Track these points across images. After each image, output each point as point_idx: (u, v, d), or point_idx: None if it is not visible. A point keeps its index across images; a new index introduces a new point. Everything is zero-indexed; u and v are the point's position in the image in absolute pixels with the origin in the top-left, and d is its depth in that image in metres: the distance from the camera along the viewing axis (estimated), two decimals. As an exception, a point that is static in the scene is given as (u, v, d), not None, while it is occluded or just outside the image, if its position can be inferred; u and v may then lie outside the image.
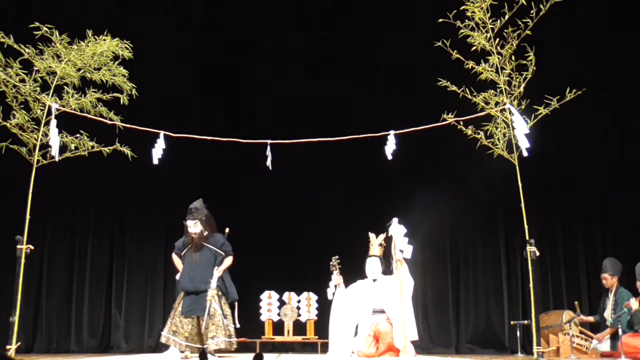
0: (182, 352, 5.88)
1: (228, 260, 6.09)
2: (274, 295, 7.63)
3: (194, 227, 6.03)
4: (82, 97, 5.56)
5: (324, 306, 7.49)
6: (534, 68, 5.32)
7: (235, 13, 8.64)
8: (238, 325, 6.03)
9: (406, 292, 5.81)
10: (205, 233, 6.07)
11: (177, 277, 6.18)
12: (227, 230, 6.29)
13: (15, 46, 5.29)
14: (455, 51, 5.46)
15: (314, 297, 7.58)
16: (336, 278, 6.09)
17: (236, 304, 6.05)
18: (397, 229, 5.81)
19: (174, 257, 6.21)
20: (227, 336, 5.84)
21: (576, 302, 6.88)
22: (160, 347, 7.90)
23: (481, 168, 7.23)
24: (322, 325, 7.47)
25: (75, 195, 8.36)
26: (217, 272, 5.92)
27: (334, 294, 6.13)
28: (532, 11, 5.22)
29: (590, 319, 6.94)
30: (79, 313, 8.05)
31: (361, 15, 8.62)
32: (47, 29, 5.32)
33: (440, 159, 8.24)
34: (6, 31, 5.29)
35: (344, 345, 5.94)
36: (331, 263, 6.12)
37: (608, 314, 6.68)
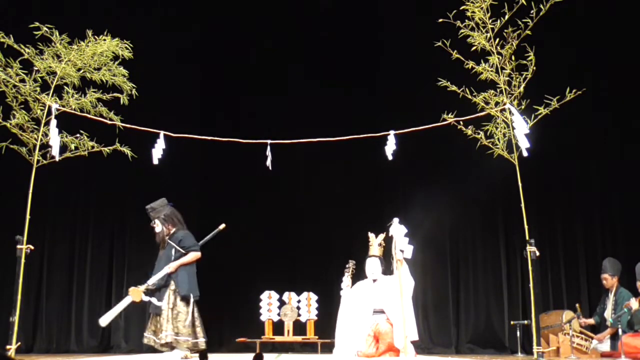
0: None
1: (188, 257, 5.85)
2: (274, 295, 7.62)
3: (156, 227, 5.97)
4: (82, 97, 5.56)
5: (324, 306, 7.51)
6: (534, 68, 5.32)
7: (236, 13, 8.64)
8: (187, 323, 5.72)
9: (406, 292, 5.81)
10: (172, 230, 5.95)
11: None
12: (221, 226, 6.21)
13: (15, 46, 5.29)
14: (455, 51, 5.46)
15: (314, 297, 7.57)
16: (347, 280, 6.11)
17: (191, 299, 5.76)
18: (397, 229, 5.81)
19: None
20: (175, 333, 5.69)
21: (578, 305, 6.81)
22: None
23: (481, 168, 7.23)
24: (322, 325, 7.47)
25: (75, 195, 8.36)
26: (167, 268, 5.77)
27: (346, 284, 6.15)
28: (532, 11, 5.22)
29: (591, 321, 6.91)
30: (79, 313, 8.05)
31: (361, 15, 8.62)
32: (47, 29, 5.32)
33: (440, 159, 8.24)
34: (6, 31, 5.29)
35: (347, 346, 5.95)
36: (347, 266, 6.13)
37: (608, 314, 6.68)
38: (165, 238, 5.93)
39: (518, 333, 7.26)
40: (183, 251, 5.86)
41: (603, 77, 8.17)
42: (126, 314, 8.10)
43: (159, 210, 5.99)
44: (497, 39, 5.40)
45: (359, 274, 6.24)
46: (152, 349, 7.85)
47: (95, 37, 5.47)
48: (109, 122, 5.65)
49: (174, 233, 5.95)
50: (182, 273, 5.82)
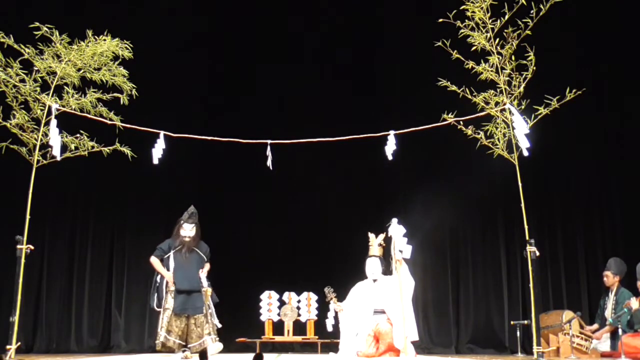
0: (183, 351, 5.90)
1: (208, 266, 6.30)
2: (274, 295, 7.62)
3: (190, 230, 6.23)
4: (82, 97, 5.56)
5: (324, 306, 7.49)
6: (534, 68, 5.31)
7: (236, 13, 8.65)
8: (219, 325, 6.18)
9: (406, 293, 5.82)
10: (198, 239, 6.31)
11: (158, 279, 6.23)
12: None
13: (15, 46, 5.29)
14: (455, 51, 5.45)
15: (314, 297, 7.57)
16: (335, 307, 6.15)
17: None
18: (396, 229, 5.82)
19: (155, 260, 6.24)
20: (215, 334, 6.06)
21: (577, 316, 6.56)
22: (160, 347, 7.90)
23: (481, 168, 7.23)
24: (322, 325, 7.46)
25: (75, 195, 8.35)
26: (203, 274, 6.11)
27: (333, 325, 6.18)
28: (532, 11, 5.21)
29: (594, 327, 6.87)
30: (79, 313, 8.05)
31: (361, 15, 8.62)
32: (47, 29, 5.31)
33: (440, 159, 8.24)
34: (6, 31, 5.28)
35: (348, 346, 5.96)
36: (326, 293, 6.16)
37: (608, 313, 6.68)
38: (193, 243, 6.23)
39: (518, 333, 7.25)
40: (206, 260, 6.27)
41: (603, 77, 8.17)
42: (126, 314, 8.11)
43: (197, 216, 6.31)
44: (497, 39, 5.39)
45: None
46: (152, 349, 7.88)
47: (95, 37, 5.47)
48: (109, 122, 5.64)
49: (200, 241, 6.31)
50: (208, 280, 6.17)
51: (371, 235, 6.25)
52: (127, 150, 5.73)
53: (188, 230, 6.20)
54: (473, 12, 5.33)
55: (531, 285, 5.14)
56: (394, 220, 5.87)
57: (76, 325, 8.00)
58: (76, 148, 5.59)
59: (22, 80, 5.36)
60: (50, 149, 5.32)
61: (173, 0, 8.58)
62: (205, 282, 6.01)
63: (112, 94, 5.61)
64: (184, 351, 5.91)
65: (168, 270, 6.16)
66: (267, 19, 8.64)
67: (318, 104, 8.34)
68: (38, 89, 5.42)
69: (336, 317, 6.22)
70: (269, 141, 5.86)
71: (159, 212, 8.35)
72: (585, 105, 6.76)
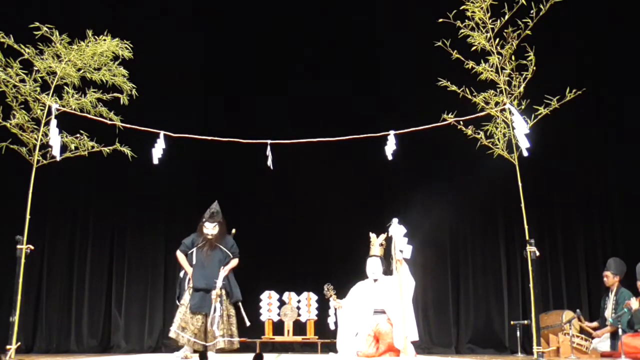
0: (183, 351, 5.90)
1: (234, 262, 6.13)
2: (274, 295, 7.62)
3: (212, 229, 6.09)
4: (82, 97, 5.55)
5: (324, 306, 7.49)
6: (534, 68, 5.31)
7: (236, 14, 8.65)
8: (248, 324, 6.11)
9: (407, 293, 5.81)
10: (222, 235, 6.18)
11: (181, 274, 6.18)
12: (233, 231, 6.33)
13: (15, 46, 5.29)
14: (455, 51, 5.45)
15: (314, 297, 7.58)
16: (334, 304, 6.15)
17: (240, 304, 6.07)
18: (396, 229, 5.81)
19: (180, 254, 6.15)
20: (229, 335, 5.93)
21: (577, 314, 6.58)
22: (160, 347, 7.91)
23: (481, 168, 7.23)
24: (322, 325, 7.46)
25: (75, 195, 8.35)
26: (224, 271, 5.99)
27: (335, 323, 6.17)
28: (532, 11, 5.21)
29: (594, 325, 6.88)
30: (79, 313, 8.05)
31: (361, 15, 8.62)
32: (47, 29, 5.31)
33: (440, 159, 8.24)
34: (6, 31, 5.28)
35: (348, 346, 5.96)
36: (325, 291, 6.15)
37: (609, 313, 6.67)
38: (216, 241, 6.10)
39: (518, 333, 7.26)
40: (231, 256, 6.10)
41: (603, 77, 8.17)
42: (126, 314, 8.11)
43: (220, 214, 6.18)
44: (497, 39, 5.39)
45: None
46: (152, 349, 7.90)
47: (95, 37, 5.47)
48: (109, 122, 5.64)
49: (224, 237, 6.15)
50: (232, 279, 6.07)
51: (372, 235, 6.25)
52: (127, 150, 5.73)
53: (210, 229, 6.06)
54: (473, 12, 5.33)
55: (531, 285, 5.14)
56: (395, 220, 5.87)
57: (76, 325, 8.01)
58: (76, 148, 5.59)
59: (22, 80, 5.36)
60: (50, 149, 5.31)
61: (173, 0, 8.58)
62: (219, 283, 5.88)
63: (112, 94, 5.61)
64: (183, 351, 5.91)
65: (191, 266, 6.04)
66: (267, 19, 8.64)
67: (318, 104, 8.34)
68: (38, 89, 5.42)
69: (336, 315, 6.22)
70: (269, 141, 5.86)
71: (159, 212, 8.36)
72: (585, 105, 6.75)
